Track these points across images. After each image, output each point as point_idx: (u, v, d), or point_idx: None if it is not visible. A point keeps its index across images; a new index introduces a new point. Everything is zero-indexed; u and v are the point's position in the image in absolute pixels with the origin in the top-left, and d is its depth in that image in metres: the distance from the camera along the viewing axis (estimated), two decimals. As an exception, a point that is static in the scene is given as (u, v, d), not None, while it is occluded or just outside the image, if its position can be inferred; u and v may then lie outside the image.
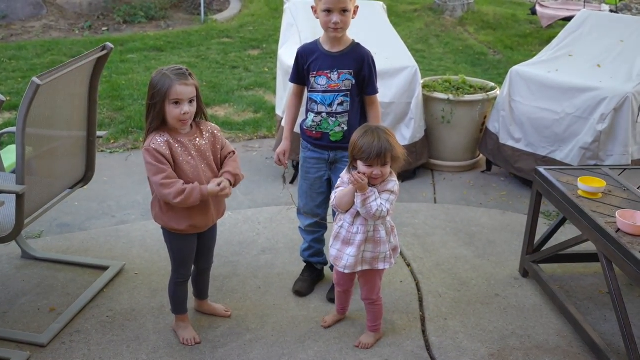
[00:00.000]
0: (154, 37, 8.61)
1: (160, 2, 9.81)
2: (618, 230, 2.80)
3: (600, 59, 4.73)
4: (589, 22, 5.06)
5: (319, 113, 3.13)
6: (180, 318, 3.04)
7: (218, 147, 2.85)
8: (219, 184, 2.71)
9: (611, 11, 9.40)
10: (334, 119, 3.11)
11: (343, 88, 3.09)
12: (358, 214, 2.77)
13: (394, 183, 2.76)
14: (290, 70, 3.31)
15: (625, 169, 3.55)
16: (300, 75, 3.20)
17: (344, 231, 2.83)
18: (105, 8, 9.41)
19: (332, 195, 2.85)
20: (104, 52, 3.25)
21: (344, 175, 2.83)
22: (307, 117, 3.21)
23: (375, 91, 3.19)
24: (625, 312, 2.74)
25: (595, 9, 8.96)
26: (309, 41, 3.30)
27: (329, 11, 2.99)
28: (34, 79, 2.69)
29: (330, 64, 3.10)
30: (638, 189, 3.26)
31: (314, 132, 3.17)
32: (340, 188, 2.81)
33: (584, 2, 9.64)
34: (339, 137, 3.12)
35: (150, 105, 2.67)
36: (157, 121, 2.67)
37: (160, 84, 2.63)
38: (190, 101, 2.67)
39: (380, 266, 2.86)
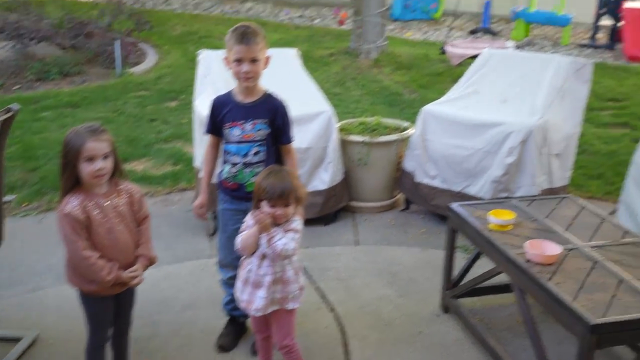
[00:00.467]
0: (68, 93, 8.45)
1: (74, 57, 9.66)
2: (528, 260, 2.89)
3: (505, 95, 4.92)
4: (492, 60, 5.27)
5: (234, 164, 3.13)
6: None
7: (135, 208, 2.82)
8: (132, 275, 2.76)
9: (516, 47, 9.86)
10: (249, 169, 3.12)
11: (257, 138, 3.11)
12: (264, 256, 2.78)
13: (297, 222, 2.81)
14: (205, 121, 3.31)
15: (533, 200, 3.69)
16: (216, 126, 3.19)
17: (252, 274, 2.83)
18: (17, 66, 9.18)
19: (237, 239, 2.85)
20: (9, 114, 3.16)
21: (248, 219, 2.86)
22: (223, 169, 3.21)
23: (289, 140, 3.22)
24: (539, 340, 2.82)
25: (500, 46, 9.37)
26: (222, 92, 3.31)
27: (239, 61, 3.02)
28: None
29: (243, 114, 3.11)
30: (545, 218, 3.38)
31: (230, 183, 3.17)
32: (245, 232, 2.83)
33: (490, 39, 10.08)
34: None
35: (64, 165, 2.63)
36: (71, 180, 2.63)
37: (72, 142, 2.60)
38: (105, 157, 2.64)
39: (290, 305, 2.87)
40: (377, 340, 3.38)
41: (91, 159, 2.59)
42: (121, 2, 10.77)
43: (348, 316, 3.60)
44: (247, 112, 3.11)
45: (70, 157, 2.59)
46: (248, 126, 3.10)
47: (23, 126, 6.95)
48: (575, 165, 5.07)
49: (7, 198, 3.38)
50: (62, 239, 2.65)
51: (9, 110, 3.17)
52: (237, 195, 3.18)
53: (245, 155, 3.11)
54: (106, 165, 2.65)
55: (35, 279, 4.07)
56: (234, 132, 3.11)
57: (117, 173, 2.76)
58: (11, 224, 3.73)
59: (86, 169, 2.60)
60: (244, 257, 2.90)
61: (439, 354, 3.26)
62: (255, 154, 3.12)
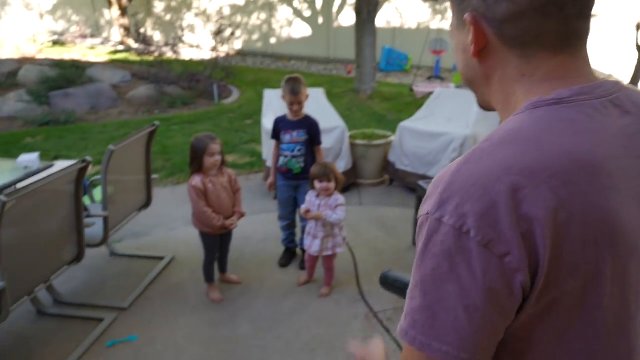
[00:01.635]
0: (187, 115, 8.49)
1: (190, 94, 9.70)
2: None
3: (450, 116, 4.84)
4: (442, 95, 5.18)
5: (286, 156, 3.12)
6: (211, 285, 2.99)
7: (232, 183, 2.84)
8: (231, 223, 2.79)
9: (456, 87, 9.67)
10: (295, 160, 3.13)
11: (300, 141, 3.11)
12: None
13: (342, 198, 2.80)
14: (269, 132, 3.30)
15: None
16: (277, 134, 3.18)
17: (312, 230, 2.84)
18: (157, 99, 9.24)
19: (302, 207, 2.85)
20: (154, 127, 3.20)
21: (307, 196, 2.85)
22: (280, 160, 3.20)
23: (320, 143, 3.21)
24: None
25: (445, 86, 9.20)
26: (280, 114, 3.29)
27: (291, 103, 3.00)
28: (110, 146, 2.63)
29: (292, 126, 3.10)
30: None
31: (284, 169, 3.16)
32: (305, 205, 2.82)
33: (440, 82, 9.91)
34: (299, 171, 3.14)
35: (194, 158, 2.67)
36: (198, 167, 2.68)
37: (201, 144, 2.63)
38: (219, 153, 2.68)
39: (338, 250, 2.87)
40: (374, 262, 3.37)
41: (212, 154, 2.64)
42: (217, 60, 10.73)
43: (356, 247, 3.60)
44: (294, 125, 3.11)
45: (200, 153, 2.63)
46: (295, 134, 3.10)
47: (161, 134, 7.01)
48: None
49: (154, 176, 3.43)
50: (190, 200, 2.68)
51: (153, 125, 3.21)
52: (288, 176, 3.18)
53: (293, 151, 3.11)
54: (219, 158, 2.69)
55: (171, 223, 4.12)
56: (287, 137, 3.10)
57: (223, 163, 2.79)
58: (156, 192, 3.79)
59: (209, 160, 2.65)
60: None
61: (411, 270, 3.24)
62: (299, 150, 3.13)
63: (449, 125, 4.67)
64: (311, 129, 3.13)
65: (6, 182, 2.80)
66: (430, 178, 4.44)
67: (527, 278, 0.56)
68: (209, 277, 2.98)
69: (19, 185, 2.50)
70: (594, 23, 0.72)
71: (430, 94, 8.55)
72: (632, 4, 9.35)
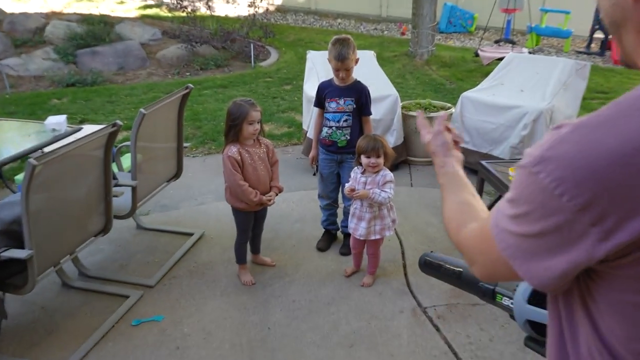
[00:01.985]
0: (220, 79, 8.58)
1: (224, 55, 9.78)
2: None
3: (523, 86, 4.63)
4: (514, 61, 4.95)
5: (330, 127, 3.10)
6: (242, 267, 3.05)
7: (270, 155, 2.85)
8: (269, 199, 2.80)
9: (530, 52, 9.20)
10: (340, 131, 3.09)
11: (347, 110, 3.06)
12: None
13: (390, 175, 2.75)
14: (312, 99, 3.27)
15: (541, 161, 3.47)
16: (321, 101, 3.16)
17: (357, 211, 2.81)
18: (188, 60, 9.39)
19: (346, 186, 2.83)
20: (187, 90, 3.25)
21: (352, 173, 2.82)
22: (322, 130, 3.18)
23: (369, 113, 3.15)
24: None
25: (517, 51, 8.77)
26: (324, 79, 3.26)
27: (337, 69, 2.94)
28: (141, 110, 2.69)
29: (338, 93, 3.06)
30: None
31: (327, 141, 3.14)
32: (350, 182, 2.80)
33: (511, 46, 9.45)
34: (344, 144, 3.10)
35: (231, 126, 2.68)
36: (236, 136, 2.69)
37: (240, 110, 2.64)
38: (258, 122, 2.68)
39: (387, 233, 2.85)
40: (423, 251, 3.32)
41: (252, 122, 2.65)
42: (255, 17, 10.71)
43: (405, 233, 3.57)
44: (341, 92, 3.06)
45: (239, 120, 2.65)
46: (341, 101, 3.05)
47: (192, 99, 7.12)
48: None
49: (185, 145, 3.50)
50: (224, 172, 2.72)
51: (187, 88, 3.26)
52: (331, 150, 3.16)
53: (338, 121, 3.07)
54: (259, 127, 2.69)
55: (201, 197, 4.22)
56: (332, 105, 3.07)
57: (261, 132, 2.79)
58: (186, 162, 3.88)
59: (248, 129, 2.66)
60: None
61: (467, 263, 3.18)
62: (345, 120, 3.08)
63: (520, 97, 4.47)
64: (360, 97, 3.08)
65: (34, 145, 2.95)
66: (495, 158, 4.30)
67: (614, 250, 0.62)
68: (240, 258, 3.03)
69: (47, 149, 2.62)
70: None
71: (499, 60, 8.20)
72: None
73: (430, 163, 4.97)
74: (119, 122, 2.53)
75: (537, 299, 1.05)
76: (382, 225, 2.82)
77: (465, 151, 4.59)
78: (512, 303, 1.07)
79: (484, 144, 4.48)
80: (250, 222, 2.95)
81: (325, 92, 3.11)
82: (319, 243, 3.40)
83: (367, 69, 4.90)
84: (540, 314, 1.03)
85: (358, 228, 2.82)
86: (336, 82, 3.08)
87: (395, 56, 10.20)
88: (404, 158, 4.90)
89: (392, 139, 4.66)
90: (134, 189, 2.84)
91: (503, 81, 4.81)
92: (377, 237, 2.83)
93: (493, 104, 4.42)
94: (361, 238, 2.84)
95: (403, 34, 13.02)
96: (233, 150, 2.68)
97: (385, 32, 13.74)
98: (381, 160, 2.71)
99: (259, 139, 2.81)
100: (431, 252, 1.30)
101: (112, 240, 3.46)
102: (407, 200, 4.13)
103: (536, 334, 1.03)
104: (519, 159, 2.97)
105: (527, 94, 4.50)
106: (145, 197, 3.08)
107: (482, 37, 11.05)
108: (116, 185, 2.79)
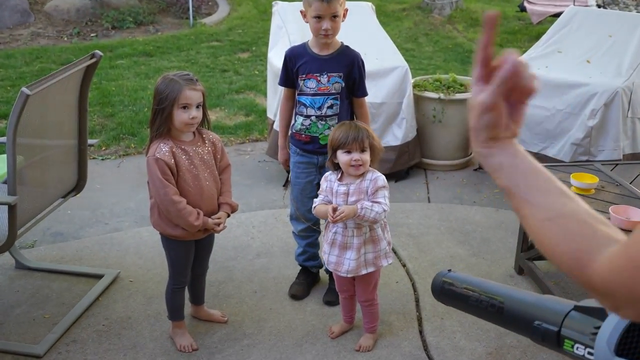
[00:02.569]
0: (142, 42, 8.59)
1: (148, 7, 9.80)
2: (612, 226, 2.81)
3: (589, 55, 4.75)
4: (577, 18, 5.07)
5: (307, 116, 3.12)
6: (177, 325, 3.03)
7: (218, 156, 2.86)
8: (217, 222, 2.82)
9: (598, 5, 9.45)
10: (323, 122, 3.11)
11: (333, 91, 3.09)
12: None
13: (382, 178, 2.78)
14: (279, 72, 3.30)
15: (617, 164, 3.57)
16: (290, 78, 3.17)
17: (339, 237, 2.81)
18: (93, 14, 9.37)
19: (315, 202, 2.86)
20: (93, 60, 3.23)
21: (323, 181, 2.85)
22: (295, 121, 3.19)
23: (364, 93, 3.19)
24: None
25: (582, 3, 8.99)
26: (297, 44, 3.29)
27: (319, 17, 2.97)
28: (23, 89, 2.67)
29: (319, 67, 3.09)
30: (630, 183, 3.27)
31: (303, 136, 3.16)
32: (321, 197, 2.82)
33: (572, -3, 9.65)
34: (327, 140, 3.12)
35: (157, 111, 2.68)
36: (165, 126, 2.68)
37: (168, 88, 2.64)
38: (197, 106, 2.68)
39: (384, 263, 2.87)
40: (448, 298, 3.37)
41: (186, 106, 2.64)
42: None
43: (420, 272, 3.61)
44: (323, 64, 3.09)
45: (166, 103, 2.63)
46: (324, 79, 3.08)
47: (99, 73, 7.12)
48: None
49: (90, 142, 3.48)
50: (151, 183, 2.71)
51: (93, 56, 3.25)
52: (310, 149, 3.18)
53: (320, 107, 3.09)
54: (199, 114, 2.69)
55: (115, 221, 4.21)
56: (309, 84, 3.09)
57: (204, 123, 2.80)
58: (91, 167, 3.88)
59: (180, 117, 2.65)
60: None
61: (511, 314, 3.23)
62: (330, 107, 3.10)
63: (586, 70, 4.58)
64: (352, 70, 3.11)
65: None
66: (550, 160, 4.39)
67: None
68: (175, 312, 3.02)
69: None
70: None
71: (554, 16, 8.41)
72: None
73: (456, 167, 5.10)
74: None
75: (629, 347, 1.03)
76: (375, 253, 2.84)
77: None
78: (590, 353, 1.03)
79: (535, 140, 4.57)
80: (189, 257, 2.95)
81: (298, 64, 3.12)
82: (293, 287, 3.42)
83: (363, 29, 4.97)
84: None
85: (343, 262, 2.84)
86: (314, 47, 3.10)
87: (403, 10, 10.39)
88: (417, 161, 4.97)
89: (399, 133, 4.72)
90: (11, 208, 2.82)
91: (561, 47, 4.92)
92: (371, 269, 2.85)
93: (546, 81, 4.51)
94: (349, 275, 2.86)
95: (414, -23, 13.21)
96: (163, 149, 2.68)
97: (389, -25, 13.94)
98: (367, 157, 2.73)
99: (202, 133, 2.82)
100: (449, 271, 1.27)
101: (-22, 287, 3.41)
102: (423, 223, 4.17)
103: None
104: (586, 162, 3.07)
105: (596, 66, 4.61)
106: (29, 221, 3.05)
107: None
108: (-15, 203, 2.77)
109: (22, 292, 3.40)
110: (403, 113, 4.73)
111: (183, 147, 2.73)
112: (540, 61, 4.80)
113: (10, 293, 3.40)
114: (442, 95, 4.87)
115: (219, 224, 2.82)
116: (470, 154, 5.19)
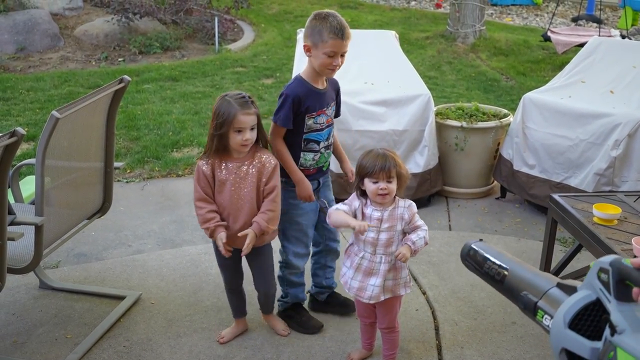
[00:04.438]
0: (169, 67, 8.71)
1: (175, 32, 9.95)
2: (634, 257, 2.78)
3: (613, 85, 4.73)
4: (601, 48, 5.07)
5: (316, 151, 3.12)
6: (235, 321, 3.30)
7: (263, 179, 2.92)
8: (241, 239, 2.90)
9: (622, 36, 9.42)
10: (328, 151, 3.21)
11: (332, 119, 3.19)
12: (377, 243, 2.77)
13: (414, 204, 2.84)
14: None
15: (640, 195, 3.53)
16: (294, 118, 3.03)
17: (365, 262, 2.80)
18: (121, 39, 9.54)
19: (331, 209, 2.87)
20: (122, 84, 3.31)
21: (356, 202, 2.82)
22: (303, 158, 3.11)
23: (339, 114, 3.32)
24: None
25: (605, 34, 8.97)
26: (295, 82, 3.13)
27: (332, 54, 2.93)
28: (54, 112, 2.74)
29: (324, 101, 3.10)
30: (654, 215, 3.24)
31: (311, 170, 3.16)
32: (346, 207, 2.81)
33: (598, 27, 9.64)
34: (328, 165, 3.25)
35: (214, 134, 2.83)
36: (221, 145, 2.85)
37: (225, 113, 2.77)
38: (252, 128, 2.81)
39: (402, 292, 2.87)
40: (468, 327, 3.35)
41: (240, 130, 2.75)
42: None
43: (440, 300, 3.59)
44: (325, 97, 3.12)
45: (224, 129, 2.79)
46: (329, 111, 3.15)
47: (126, 97, 7.22)
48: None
49: (116, 164, 3.54)
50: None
51: (121, 81, 3.32)
52: (315, 177, 3.19)
53: (327, 138, 3.17)
54: (252, 136, 2.84)
55: (138, 243, 4.25)
56: (320, 120, 3.08)
57: (260, 141, 2.94)
58: (116, 189, 3.93)
59: (235, 139, 2.82)
60: (352, 242, 2.90)
61: (533, 345, 3.20)
62: (331, 135, 3.21)
63: (610, 100, 4.57)
64: (338, 95, 3.23)
65: None
66: (573, 190, 4.36)
67: None
68: (232, 309, 3.29)
69: None
70: None
71: (578, 46, 8.40)
72: None
73: (477, 196, 5.09)
74: (20, 130, 2.57)
75: (582, 323, 1.10)
76: (395, 280, 2.83)
77: (529, 179, 4.67)
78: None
79: (557, 169, 4.56)
80: (227, 263, 3.09)
81: (306, 104, 3.03)
82: (308, 324, 3.35)
83: (386, 57, 5.01)
84: (581, 345, 1.07)
85: (366, 287, 2.82)
86: (313, 82, 3.06)
87: (427, 39, 10.43)
88: (439, 188, 4.97)
89: (421, 160, 4.73)
90: (38, 228, 2.87)
91: (584, 77, 4.91)
92: (389, 296, 2.84)
93: (570, 111, 4.51)
94: (371, 302, 2.85)
95: (439, 6, 13.32)
96: (204, 162, 2.89)
97: (413, 4, 14.07)
98: (394, 186, 2.73)
99: (257, 151, 2.94)
100: (480, 240, 1.39)
101: (1, 306, 3.45)
102: (444, 251, 4.16)
103: None
104: (609, 192, 3.07)
105: (620, 97, 4.59)
106: (54, 242, 3.10)
107: (554, 13, 11.33)
108: (12, 224, 2.82)
109: (45, 312, 3.45)
110: (425, 141, 4.74)
111: (227, 162, 2.89)
112: (563, 91, 4.80)
113: (33, 312, 3.44)
114: (464, 124, 4.88)
115: (241, 241, 2.90)
116: (492, 182, 5.18)
